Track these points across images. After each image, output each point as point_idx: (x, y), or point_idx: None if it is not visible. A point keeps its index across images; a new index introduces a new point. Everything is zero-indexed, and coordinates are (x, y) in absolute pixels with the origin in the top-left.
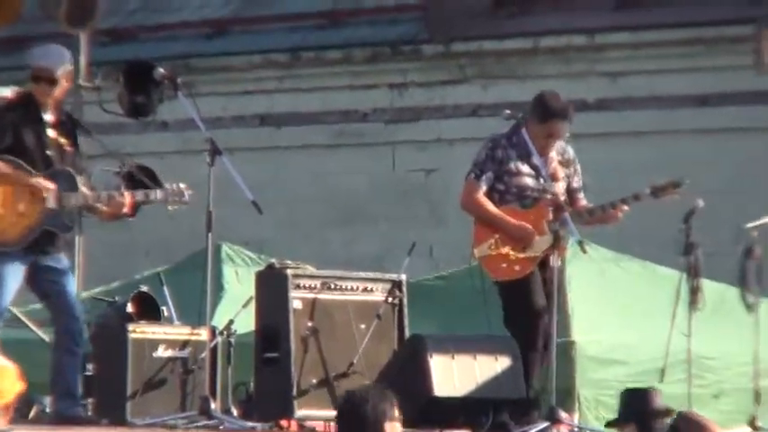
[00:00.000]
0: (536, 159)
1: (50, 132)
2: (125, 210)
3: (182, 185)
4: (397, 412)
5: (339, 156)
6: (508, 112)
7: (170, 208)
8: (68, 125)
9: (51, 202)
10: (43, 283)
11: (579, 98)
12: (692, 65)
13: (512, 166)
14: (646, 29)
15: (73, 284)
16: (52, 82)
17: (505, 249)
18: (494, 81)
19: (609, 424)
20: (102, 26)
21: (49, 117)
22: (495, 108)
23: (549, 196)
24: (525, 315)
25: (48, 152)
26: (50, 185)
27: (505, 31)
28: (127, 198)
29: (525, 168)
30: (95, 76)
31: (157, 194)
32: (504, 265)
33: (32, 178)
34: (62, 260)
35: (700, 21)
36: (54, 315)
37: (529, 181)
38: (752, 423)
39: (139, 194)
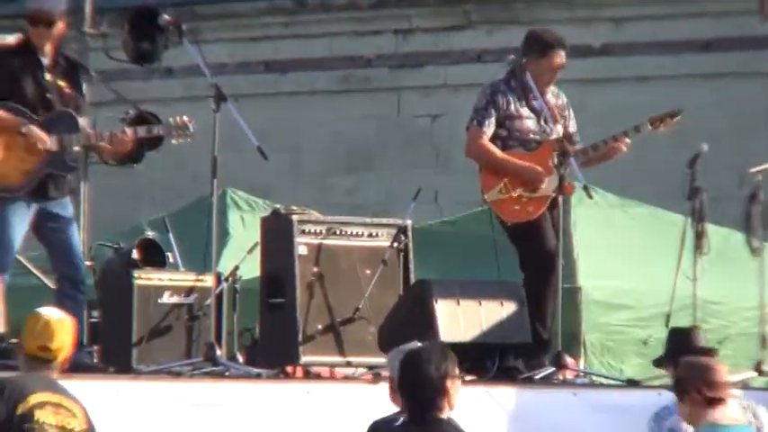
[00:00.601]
0: (535, 102)
1: (48, 75)
2: (129, 146)
3: (185, 118)
4: (457, 369)
5: (344, 102)
6: (513, 57)
7: (174, 142)
8: (66, 67)
9: (53, 145)
10: (47, 231)
11: (584, 44)
12: (697, 10)
13: (512, 110)
14: None
15: (76, 232)
16: (50, 24)
17: (517, 192)
18: (499, 26)
19: (655, 362)
20: None
21: (46, 60)
22: (500, 54)
23: (551, 138)
24: (540, 256)
25: (47, 95)
26: (44, 137)
27: None
28: (129, 134)
29: (525, 111)
30: (100, 23)
31: (160, 129)
32: (517, 207)
33: (27, 128)
34: (67, 206)
35: None
36: (56, 262)
37: (530, 124)
38: (758, 368)
39: (141, 129)
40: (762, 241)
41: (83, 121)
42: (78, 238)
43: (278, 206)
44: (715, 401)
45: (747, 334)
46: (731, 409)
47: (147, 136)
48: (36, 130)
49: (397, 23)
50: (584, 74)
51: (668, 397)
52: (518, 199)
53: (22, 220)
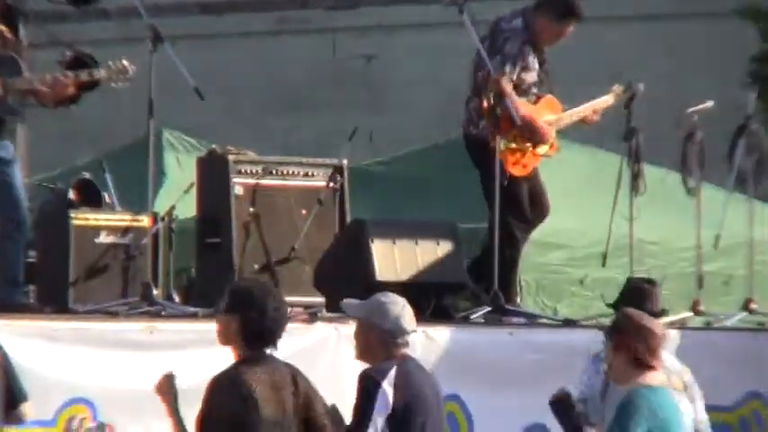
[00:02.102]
0: (541, 54)
1: None
2: (70, 90)
3: (125, 62)
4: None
5: (280, 43)
6: None
7: (114, 85)
8: (5, 11)
9: None
10: None
11: None
12: None
13: (529, 61)
14: None
15: (18, 173)
16: None
17: (525, 145)
18: None
19: (609, 305)
20: None
21: None
22: None
23: (548, 93)
24: (514, 215)
25: None
26: None
27: None
28: (71, 78)
29: (536, 64)
30: None
31: (101, 72)
32: (523, 160)
33: None
34: (8, 148)
35: None
36: None
37: (535, 77)
38: (694, 308)
39: (83, 74)
40: (698, 181)
41: (24, 66)
42: (20, 179)
43: (214, 146)
44: (648, 368)
45: (684, 274)
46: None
47: (88, 80)
48: None
49: None
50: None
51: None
52: (524, 152)
53: None
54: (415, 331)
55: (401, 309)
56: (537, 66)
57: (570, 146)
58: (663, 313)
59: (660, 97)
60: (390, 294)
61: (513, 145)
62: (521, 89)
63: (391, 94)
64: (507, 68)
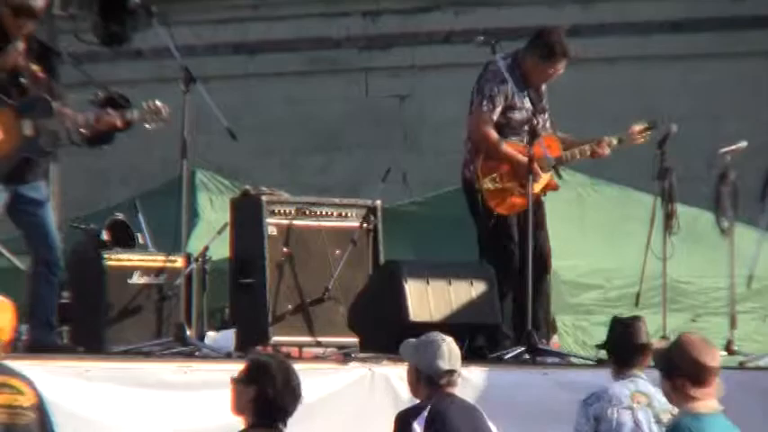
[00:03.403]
0: (533, 93)
1: (22, 60)
2: (107, 129)
3: (158, 103)
4: None
5: (313, 83)
6: (481, 38)
7: (148, 126)
8: (39, 51)
9: (28, 130)
10: (21, 213)
11: (552, 25)
12: None
13: (516, 100)
14: None
15: (51, 214)
16: (36, 19)
17: (512, 184)
18: (466, 8)
19: (597, 346)
20: None
21: (20, 45)
22: (468, 34)
23: (546, 132)
24: (505, 254)
25: (21, 79)
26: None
27: None
28: (106, 119)
29: (525, 104)
30: (69, 4)
31: (134, 113)
32: (509, 200)
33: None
34: (41, 189)
35: None
36: (31, 245)
37: (526, 116)
38: (728, 347)
39: (130, 113)
40: (731, 221)
41: (58, 105)
42: (52, 220)
43: (247, 187)
44: (693, 398)
45: (717, 314)
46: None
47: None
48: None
49: (365, 5)
50: None
51: (598, 383)
52: (510, 191)
53: None
54: (454, 370)
55: (438, 348)
56: (528, 105)
57: (604, 185)
58: (647, 348)
59: (693, 137)
60: (435, 334)
61: (496, 185)
62: (510, 128)
63: (424, 135)
64: (484, 108)
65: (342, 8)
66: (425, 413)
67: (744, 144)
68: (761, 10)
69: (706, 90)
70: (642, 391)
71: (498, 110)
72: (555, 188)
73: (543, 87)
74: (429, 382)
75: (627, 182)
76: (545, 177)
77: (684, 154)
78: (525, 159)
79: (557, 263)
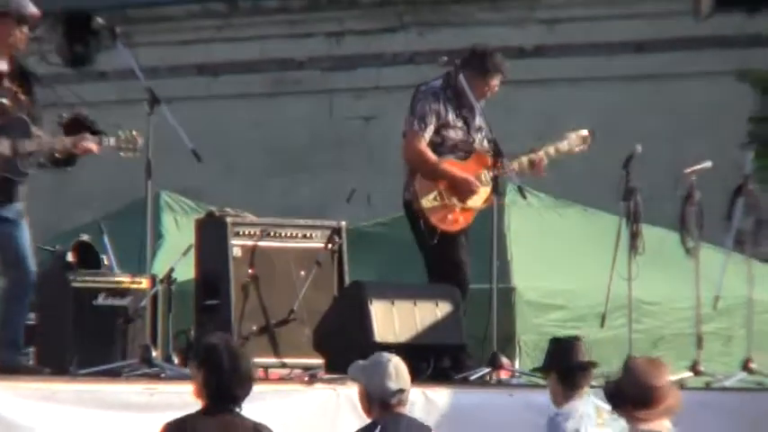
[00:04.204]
0: (467, 112)
1: (6, 82)
2: (89, 151)
3: (134, 133)
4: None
5: (277, 104)
6: (445, 58)
7: (122, 155)
8: (20, 74)
9: (6, 150)
10: None
11: (516, 45)
12: (629, 11)
13: (450, 118)
14: None
15: (27, 235)
16: (32, 27)
17: (452, 201)
18: (430, 28)
19: (535, 369)
20: None
21: (3, 66)
22: (432, 55)
23: (482, 148)
24: (456, 268)
25: (2, 100)
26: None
27: None
28: (85, 144)
29: (459, 122)
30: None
31: (111, 141)
32: (450, 216)
33: None
34: (13, 208)
35: None
36: (5, 266)
37: (461, 134)
38: (694, 368)
39: (107, 140)
40: (697, 241)
41: (36, 128)
42: (28, 241)
43: (212, 208)
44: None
45: (683, 334)
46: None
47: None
48: None
49: (328, 26)
50: (516, 75)
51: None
52: (451, 208)
53: None
54: (403, 390)
55: (385, 369)
56: (461, 123)
57: (568, 206)
58: (592, 365)
59: (658, 157)
60: (383, 354)
61: (435, 203)
62: (445, 146)
63: (389, 156)
64: (416, 127)
65: (305, 29)
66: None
67: (708, 164)
68: (724, 30)
69: (670, 110)
70: (602, 408)
71: (431, 128)
72: (492, 203)
73: (479, 105)
74: (380, 402)
75: (592, 203)
76: (485, 192)
77: (649, 174)
78: (462, 175)
79: (521, 283)
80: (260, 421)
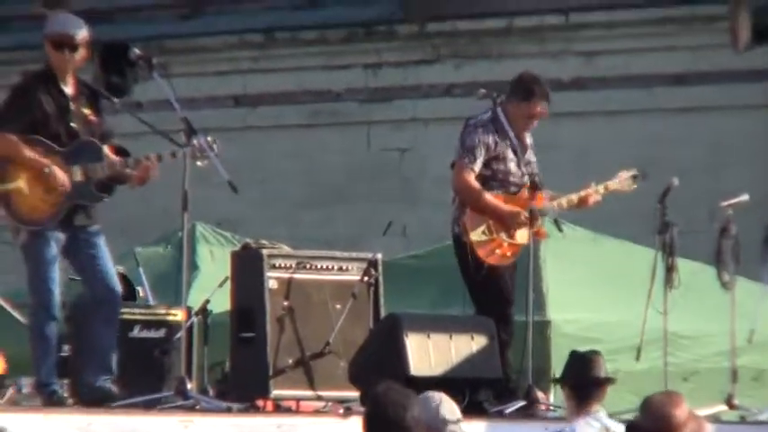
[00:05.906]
0: (515, 143)
1: (72, 105)
2: (153, 172)
3: (209, 138)
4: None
5: (314, 135)
6: (483, 91)
7: (199, 164)
8: (88, 94)
9: (78, 176)
10: (80, 256)
11: (554, 77)
12: (668, 43)
13: (499, 151)
14: (620, 7)
15: (108, 256)
16: (73, 48)
17: (500, 235)
18: (467, 61)
19: (554, 380)
20: (77, 7)
21: (69, 89)
22: (469, 87)
23: (531, 182)
24: (500, 303)
25: (72, 124)
26: (64, 181)
27: (479, 10)
28: (154, 160)
29: (510, 154)
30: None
31: (185, 152)
32: (498, 251)
33: (50, 169)
34: (97, 233)
35: None
36: (91, 288)
37: (512, 167)
38: (729, 401)
39: (166, 154)
40: (732, 275)
41: (107, 149)
42: (110, 261)
43: (248, 240)
44: None
45: (717, 368)
46: None
47: (171, 161)
48: (57, 173)
49: (366, 58)
50: (554, 108)
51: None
52: (499, 243)
53: (54, 252)
54: (460, 420)
55: (439, 402)
56: (513, 155)
57: (604, 239)
58: (609, 381)
59: (695, 191)
60: (429, 392)
61: (483, 237)
62: (496, 180)
63: (425, 188)
64: (465, 160)
65: (343, 61)
66: None
67: (746, 197)
68: (763, 62)
69: (708, 143)
70: (608, 427)
71: (480, 161)
72: (543, 236)
73: (529, 141)
74: None
75: (628, 236)
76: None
77: (686, 207)
78: (511, 209)
79: (557, 316)
80: None
